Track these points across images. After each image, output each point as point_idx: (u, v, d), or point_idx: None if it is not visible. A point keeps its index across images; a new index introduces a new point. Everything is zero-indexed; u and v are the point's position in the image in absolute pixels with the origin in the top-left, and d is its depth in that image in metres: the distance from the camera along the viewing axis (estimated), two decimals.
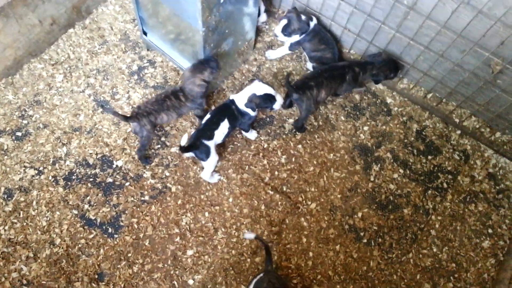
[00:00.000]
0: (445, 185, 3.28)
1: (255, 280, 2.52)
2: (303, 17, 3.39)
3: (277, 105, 3.05)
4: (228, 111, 3.02)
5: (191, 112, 3.38)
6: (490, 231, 3.12)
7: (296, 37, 3.51)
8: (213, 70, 3.02)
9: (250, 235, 2.74)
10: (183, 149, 2.83)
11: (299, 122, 3.34)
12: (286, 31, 3.44)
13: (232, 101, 3.05)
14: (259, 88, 3.01)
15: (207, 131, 2.93)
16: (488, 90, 3.20)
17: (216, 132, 2.94)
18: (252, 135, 3.34)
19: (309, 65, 3.67)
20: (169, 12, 3.01)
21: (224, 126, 2.97)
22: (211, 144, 2.92)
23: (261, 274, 2.54)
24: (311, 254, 2.97)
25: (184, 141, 2.78)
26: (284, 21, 3.43)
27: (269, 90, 3.01)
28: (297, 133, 3.40)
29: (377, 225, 3.09)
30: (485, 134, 3.46)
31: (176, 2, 2.85)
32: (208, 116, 3.01)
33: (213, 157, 2.96)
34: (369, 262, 2.96)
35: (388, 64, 3.35)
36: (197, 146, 2.88)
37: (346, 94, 3.59)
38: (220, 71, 3.21)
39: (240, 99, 3.03)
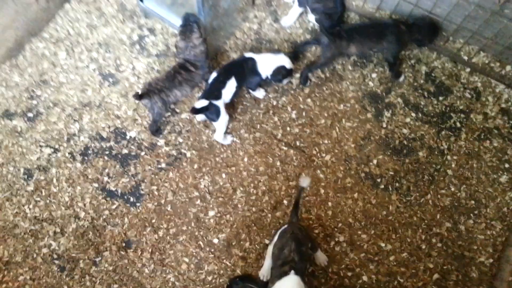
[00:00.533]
0: (458, 124, 3.22)
1: (279, 231, 2.54)
2: None
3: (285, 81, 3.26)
4: (237, 69, 2.97)
5: None
6: (506, 165, 3.08)
7: None
8: (196, 23, 2.91)
9: (306, 182, 2.73)
10: (195, 111, 2.82)
11: (311, 69, 3.30)
12: None
13: (248, 59, 3.02)
14: (288, 62, 3.10)
15: (214, 91, 2.90)
16: (495, 22, 3.08)
17: (224, 91, 2.90)
18: (260, 93, 3.29)
19: (311, 17, 3.55)
20: None
21: (231, 85, 2.93)
22: (219, 103, 2.89)
23: (285, 226, 2.56)
24: (330, 204, 2.97)
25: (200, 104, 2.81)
26: None
27: (292, 66, 3.15)
28: (303, 86, 3.34)
29: (393, 170, 3.07)
30: (495, 69, 3.36)
31: None
32: (214, 74, 2.97)
33: (224, 116, 2.93)
34: (388, 206, 2.96)
35: (432, 28, 3.27)
36: (206, 107, 2.85)
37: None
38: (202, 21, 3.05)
39: (263, 62, 3.05)
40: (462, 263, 2.81)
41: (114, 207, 2.97)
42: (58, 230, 2.89)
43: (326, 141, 3.16)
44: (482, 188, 3.01)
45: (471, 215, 2.94)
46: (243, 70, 2.97)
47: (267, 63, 3.05)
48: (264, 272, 2.64)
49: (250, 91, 3.26)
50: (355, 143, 3.15)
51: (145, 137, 3.17)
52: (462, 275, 2.78)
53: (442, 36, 3.42)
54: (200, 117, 3.13)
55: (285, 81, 3.23)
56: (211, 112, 2.89)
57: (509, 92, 3.33)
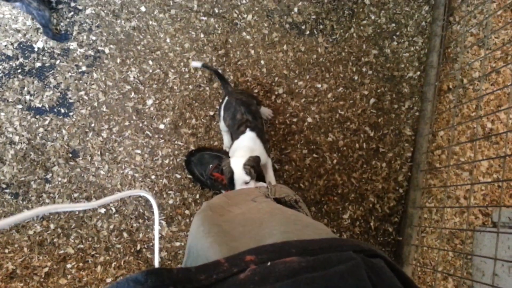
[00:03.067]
0: None
1: (222, 105, 2.40)
2: None
3: None
4: None
5: None
6: None
7: None
8: None
9: (197, 64, 2.54)
10: None
11: None
12: None
13: None
14: None
15: None
16: None
17: None
18: None
19: None
20: None
21: None
22: None
23: (226, 98, 2.40)
24: (262, 62, 2.83)
25: None
26: None
27: None
28: None
29: (315, 14, 2.91)
30: None
31: None
32: None
33: None
34: (316, 49, 2.86)
35: None
36: None
37: None
38: None
39: None
40: (394, 83, 2.84)
41: (46, 122, 2.68)
42: None
43: (244, 1, 2.90)
44: (400, 9, 2.94)
45: (394, 37, 2.91)
46: None
47: None
48: (226, 147, 2.61)
49: None
50: None
51: (54, 45, 2.77)
52: (395, 93, 2.83)
53: None
54: None
55: None
56: None
57: None
